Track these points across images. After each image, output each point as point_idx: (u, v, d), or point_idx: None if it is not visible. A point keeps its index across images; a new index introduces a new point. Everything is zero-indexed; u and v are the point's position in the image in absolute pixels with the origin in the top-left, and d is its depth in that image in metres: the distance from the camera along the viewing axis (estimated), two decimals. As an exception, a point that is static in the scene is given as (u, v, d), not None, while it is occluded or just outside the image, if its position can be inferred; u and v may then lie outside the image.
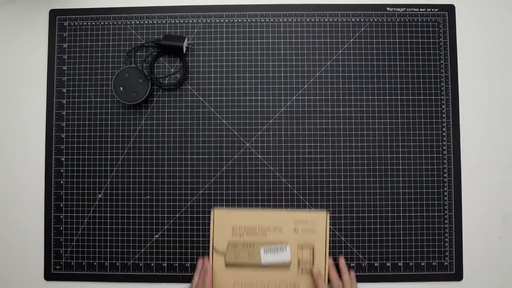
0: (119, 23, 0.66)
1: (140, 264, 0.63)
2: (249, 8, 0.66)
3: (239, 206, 0.63)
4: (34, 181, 0.65)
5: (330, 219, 0.62)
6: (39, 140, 0.65)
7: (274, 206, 0.63)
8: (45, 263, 0.64)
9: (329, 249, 0.61)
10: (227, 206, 0.63)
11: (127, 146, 0.64)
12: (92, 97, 0.65)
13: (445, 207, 0.63)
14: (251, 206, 0.63)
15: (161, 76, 0.65)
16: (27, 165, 0.65)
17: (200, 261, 0.61)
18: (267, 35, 0.65)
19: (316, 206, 0.63)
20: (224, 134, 0.64)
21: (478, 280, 0.63)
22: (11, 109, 0.66)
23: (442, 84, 0.65)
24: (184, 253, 0.63)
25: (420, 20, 0.65)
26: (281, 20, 0.65)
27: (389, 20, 0.65)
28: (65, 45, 0.66)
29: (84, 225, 0.64)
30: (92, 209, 0.64)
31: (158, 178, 0.64)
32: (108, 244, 0.63)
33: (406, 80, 0.65)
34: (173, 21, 0.66)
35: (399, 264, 0.63)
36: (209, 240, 0.62)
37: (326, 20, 0.65)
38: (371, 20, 0.65)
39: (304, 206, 0.63)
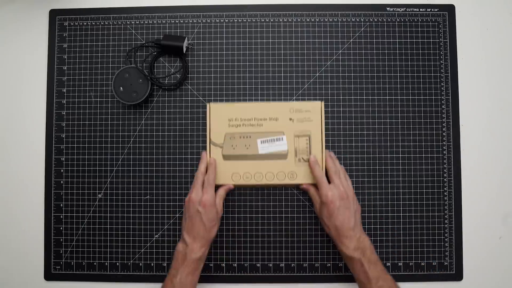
0: (119, 23, 0.66)
1: (140, 264, 0.63)
2: (249, 8, 0.66)
3: (239, 206, 0.63)
4: (34, 181, 0.65)
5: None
6: (39, 140, 0.65)
7: (274, 206, 0.63)
8: (45, 263, 0.64)
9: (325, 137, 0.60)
10: (227, 205, 0.63)
11: (127, 146, 0.64)
12: (92, 97, 0.65)
13: (445, 207, 0.63)
14: (251, 205, 0.63)
15: (161, 76, 0.65)
16: (27, 165, 0.65)
17: (204, 153, 0.60)
18: (267, 35, 0.65)
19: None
20: (224, 134, 0.64)
21: (478, 280, 0.63)
22: (11, 109, 0.66)
23: (442, 84, 0.65)
24: (184, 253, 0.63)
25: (420, 20, 0.65)
26: (281, 20, 0.65)
27: (389, 20, 0.65)
28: (65, 45, 0.66)
29: (84, 225, 0.64)
30: (92, 209, 0.64)
31: (158, 178, 0.64)
32: (108, 244, 0.63)
33: (406, 80, 0.65)
34: (173, 21, 0.66)
35: (399, 264, 0.63)
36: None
37: (326, 20, 0.65)
38: (371, 20, 0.65)
39: (305, 206, 0.63)
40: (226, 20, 0.66)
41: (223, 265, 0.63)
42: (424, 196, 0.63)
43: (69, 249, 0.64)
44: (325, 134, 0.64)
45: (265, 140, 0.59)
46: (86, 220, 0.64)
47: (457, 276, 0.63)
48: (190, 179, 0.64)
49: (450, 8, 0.66)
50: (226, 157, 0.59)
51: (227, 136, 0.59)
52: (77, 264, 0.64)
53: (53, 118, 0.65)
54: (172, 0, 0.66)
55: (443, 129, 0.64)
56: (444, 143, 0.64)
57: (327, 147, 0.64)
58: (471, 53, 0.65)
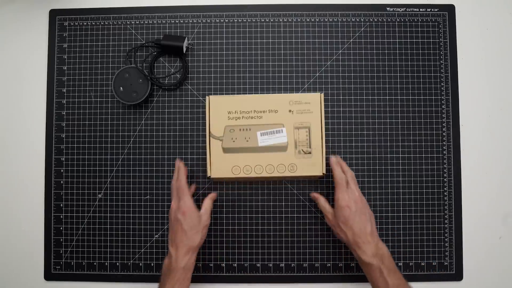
0: (119, 23, 0.66)
1: (140, 264, 0.63)
2: (249, 8, 0.66)
3: (239, 206, 0.63)
4: (34, 181, 0.65)
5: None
6: (39, 140, 0.65)
7: (274, 206, 0.63)
8: (45, 263, 0.64)
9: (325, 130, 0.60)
10: (227, 205, 0.63)
11: (127, 146, 0.64)
12: (92, 97, 0.65)
13: (445, 207, 0.63)
14: (251, 205, 0.63)
15: (161, 76, 0.65)
16: (27, 165, 0.65)
17: (176, 162, 0.60)
18: (267, 35, 0.65)
19: (316, 206, 0.63)
20: (224, 134, 0.64)
21: (478, 280, 0.63)
22: (11, 109, 0.66)
23: (442, 84, 0.65)
24: (184, 253, 0.63)
25: (420, 20, 0.65)
26: (281, 20, 0.65)
27: (389, 20, 0.65)
28: (65, 45, 0.66)
29: (84, 225, 0.64)
30: (92, 209, 0.64)
31: (158, 178, 0.64)
32: (108, 244, 0.63)
33: (406, 80, 0.65)
34: (173, 21, 0.66)
35: (399, 264, 0.63)
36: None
37: (326, 20, 0.65)
38: (371, 20, 0.65)
39: (305, 206, 0.63)
40: (226, 20, 0.66)
41: (223, 265, 0.63)
42: (424, 196, 0.63)
43: (69, 249, 0.64)
44: (325, 134, 0.64)
45: (265, 132, 0.58)
46: (86, 220, 0.64)
47: (457, 276, 0.63)
48: (190, 179, 0.64)
49: (450, 8, 0.66)
50: (226, 150, 0.58)
51: (226, 129, 0.59)
52: (77, 264, 0.64)
53: (53, 118, 0.65)
54: (172, 0, 0.66)
55: (443, 129, 0.64)
56: (444, 143, 0.64)
57: (327, 147, 0.64)
58: (471, 53, 0.65)
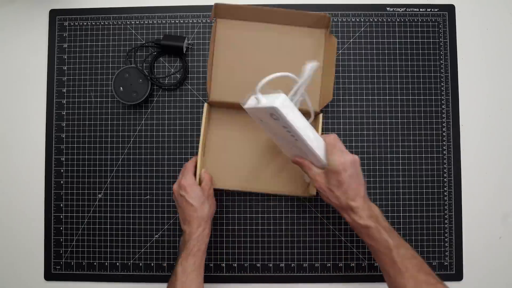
0: (119, 23, 0.66)
1: (140, 264, 0.63)
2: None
3: (239, 206, 0.63)
4: (34, 181, 0.65)
5: (331, 219, 0.62)
6: (39, 140, 0.65)
7: (274, 206, 0.63)
8: (45, 263, 0.64)
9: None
10: (227, 205, 0.63)
11: (127, 146, 0.64)
12: (92, 97, 0.65)
13: (445, 207, 0.63)
14: (251, 205, 0.63)
15: (161, 76, 0.65)
16: (27, 165, 0.65)
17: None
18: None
19: (316, 206, 0.63)
20: (224, 134, 0.64)
21: (478, 280, 0.63)
22: (12, 109, 0.66)
23: (442, 84, 0.65)
24: (184, 253, 0.63)
25: (420, 20, 0.65)
26: (281, 20, 0.65)
27: (389, 20, 0.65)
28: (65, 45, 0.66)
29: (84, 225, 0.64)
30: (92, 209, 0.64)
31: (158, 178, 0.64)
32: (108, 244, 0.63)
33: (406, 80, 0.65)
34: (173, 21, 0.66)
35: (399, 264, 0.63)
36: None
37: (326, 20, 0.65)
38: (371, 20, 0.65)
39: (304, 206, 0.63)
40: (226, 20, 0.66)
41: (223, 265, 0.63)
42: (424, 196, 0.63)
43: (69, 249, 0.64)
44: (325, 134, 0.64)
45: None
46: (86, 220, 0.64)
47: (457, 276, 0.63)
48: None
49: (450, 8, 0.66)
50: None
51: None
52: (77, 264, 0.64)
53: (53, 118, 0.65)
54: (172, 0, 0.66)
55: (443, 129, 0.64)
56: (444, 143, 0.64)
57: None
58: (471, 53, 0.65)
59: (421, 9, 0.65)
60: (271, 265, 0.63)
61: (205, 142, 0.61)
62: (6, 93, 0.66)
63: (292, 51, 0.61)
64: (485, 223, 0.64)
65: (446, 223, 0.63)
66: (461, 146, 0.64)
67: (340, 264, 0.63)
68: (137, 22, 0.66)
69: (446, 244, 0.63)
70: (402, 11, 0.65)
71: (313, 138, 0.50)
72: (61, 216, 0.64)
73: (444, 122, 0.64)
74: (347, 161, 0.50)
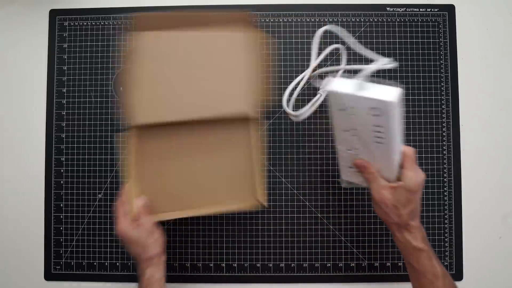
0: (119, 23, 0.66)
1: (140, 264, 0.63)
2: (249, 8, 0.66)
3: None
4: (34, 181, 0.65)
5: (331, 219, 0.62)
6: (39, 140, 0.65)
7: (274, 206, 0.63)
8: (45, 263, 0.64)
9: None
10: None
11: (127, 146, 0.64)
12: (92, 97, 0.65)
13: (445, 207, 0.63)
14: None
15: (161, 76, 0.65)
16: (27, 165, 0.65)
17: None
18: (267, 35, 0.65)
19: (316, 206, 0.63)
20: (224, 134, 0.64)
21: (478, 280, 0.63)
22: (11, 109, 0.66)
23: (442, 84, 0.65)
24: (184, 253, 0.63)
25: (420, 20, 0.65)
26: (281, 20, 0.65)
27: (389, 20, 0.65)
28: (65, 45, 0.66)
29: (84, 225, 0.64)
30: (92, 209, 0.64)
31: (158, 178, 0.64)
32: (108, 244, 0.63)
33: (406, 80, 0.65)
34: (173, 21, 0.66)
35: (399, 264, 0.63)
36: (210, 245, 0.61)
37: (326, 20, 0.65)
38: (371, 20, 0.65)
39: (304, 206, 0.63)
40: (226, 20, 0.65)
41: (223, 265, 0.63)
42: (424, 196, 0.63)
43: (69, 249, 0.64)
44: (325, 134, 0.64)
45: None
46: (86, 220, 0.64)
47: (457, 276, 0.63)
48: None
49: (450, 8, 0.66)
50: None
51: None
52: (77, 264, 0.64)
53: (53, 118, 0.65)
54: (172, 0, 0.66)
55: (443, 129, 0.64)
56: (444, 143, 0.64)
57: (327, 147, 0.64)
58: (471, 53, 0.65)
59: (421, 9, 0.65)
60: (271, 265, 0.63)
61: (134, 170, 0.56)
62: (6, 93, 0.66)
63: (216, 54, 0.55)
64: (485, 223, 0.64)
65: (446, 223, 0.63)
66: (461, 146, 0.64)
67: (340, 264, 0.63)
68: (137, 22, 0.66)
69: (446, 244, 0.63)
70: (402, 11, 0.65)
71: (400, 146, 0.45)
72: (61, 216, 0.64)
73: (444, 122, 0.64)
74: (422, 180, 0.48)
